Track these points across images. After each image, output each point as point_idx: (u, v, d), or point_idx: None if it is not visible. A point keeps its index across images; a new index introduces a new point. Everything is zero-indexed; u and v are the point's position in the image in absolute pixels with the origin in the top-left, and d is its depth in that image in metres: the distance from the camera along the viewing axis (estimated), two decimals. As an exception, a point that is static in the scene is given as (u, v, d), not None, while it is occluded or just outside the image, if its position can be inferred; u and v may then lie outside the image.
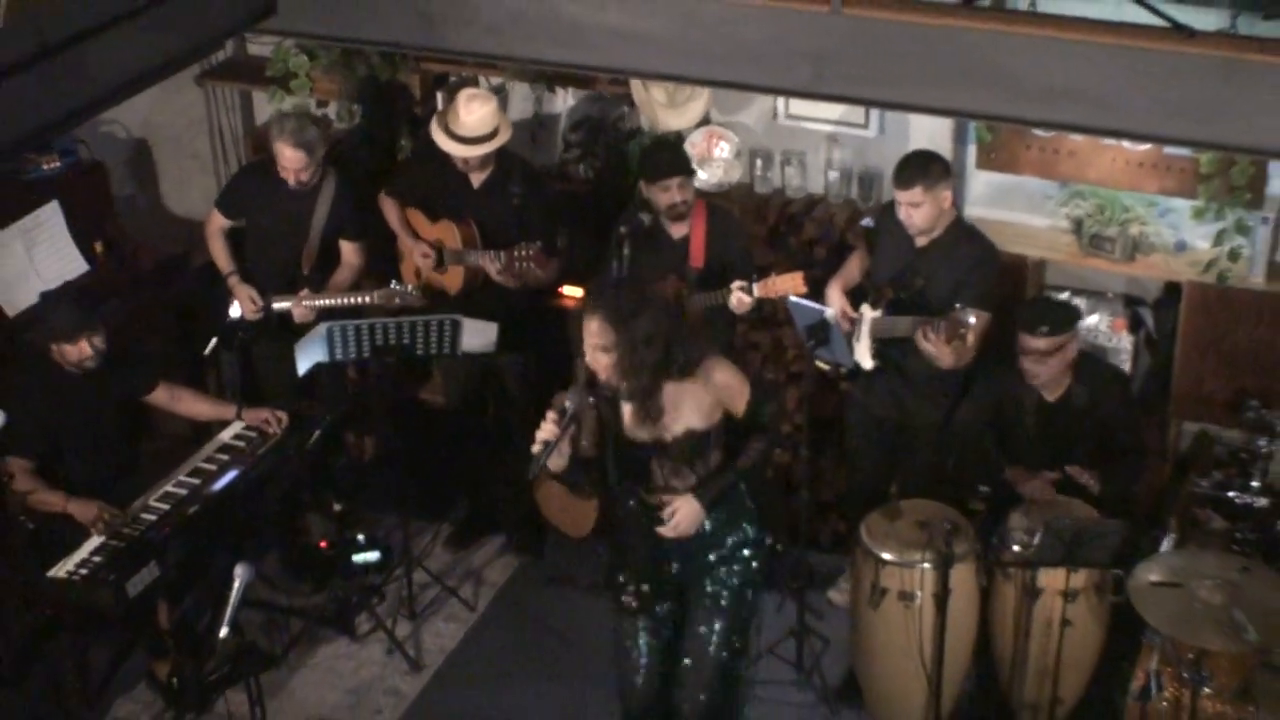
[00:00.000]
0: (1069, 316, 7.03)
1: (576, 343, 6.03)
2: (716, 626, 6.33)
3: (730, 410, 6.12)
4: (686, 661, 6.42)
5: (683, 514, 6.06)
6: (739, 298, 7.31)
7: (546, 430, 5.95)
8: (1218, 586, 6.19)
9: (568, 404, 5.96)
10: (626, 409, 6.07)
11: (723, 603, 6.31)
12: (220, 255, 8.11)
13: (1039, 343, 6.86)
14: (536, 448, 5.97)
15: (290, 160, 7.75)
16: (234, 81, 9.34)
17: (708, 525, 6.21)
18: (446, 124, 7.78)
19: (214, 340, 8.06)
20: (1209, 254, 7.51)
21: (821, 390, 8.01)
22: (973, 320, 6.86)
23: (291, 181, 7.83)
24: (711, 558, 6.28)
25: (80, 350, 7.10)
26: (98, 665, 7.74)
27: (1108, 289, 7.93)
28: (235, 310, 7.97)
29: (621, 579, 6.39)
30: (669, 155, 7.58)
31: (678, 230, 7.56)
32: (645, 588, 6.33)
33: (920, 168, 7.11)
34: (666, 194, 7.44)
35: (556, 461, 6.06)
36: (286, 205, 7.97)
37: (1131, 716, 6.87)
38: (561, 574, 8.28)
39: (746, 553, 6.32)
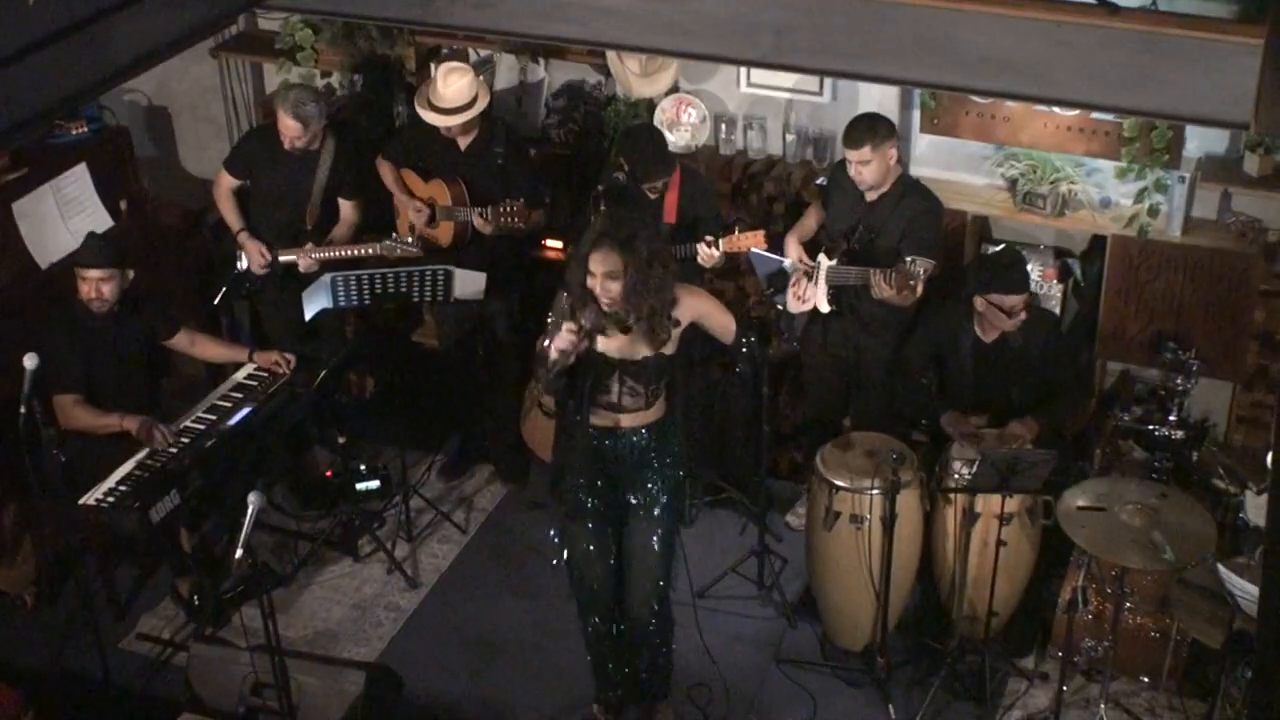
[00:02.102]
0: (1027, 272, 7.08)
1: (574, 277, 6.02)
2: (652, 533, 6.40)
3: (716, 332, 6.18)
4: (629, 565, 6.50)
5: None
6: (706, 252, 7.31)
7: (565, 340, 5.91)
8: (1138, 511, 6.22)
9: (583, 321, 5.93)
10: (611, 333, 6.04)
11: (656, 511, 6.37)
12: (230, 213, 8.07)
13: (1017, 300, 6.86)
14: (554, 355, 5.95)
15: (288, 129, 7.76)
16: (245, 54, 9.26)
17: (644, 442, 6.28)
18: (427, 97, 7.76)
19: (223, 290, 8.07)
20: (1131, 210, 7.53)
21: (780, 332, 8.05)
22: (921, 272, 6.91)
23: (288, 146, 7.83)
24: (647, 472, 6.32)
25: (88, 289, 7.08)
26: (125, 584, 7.81)
27: (1039, 241, 7.94)
28: (243, 263, 7.97)
29: (562, 486, 6.44)
30: (656, 155, 7.45)
31: (653, 193, 7.54)
32: (583, 496, 6.39)
33: (868, 128, 7.11)
34: (650, 184, 7.44)
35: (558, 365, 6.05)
36: (290, 167, 7.95)
37: (1060, 628, 6.94)
38: (544, 500, 8.27)
39: (674, 467, 6.37)
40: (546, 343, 6.06)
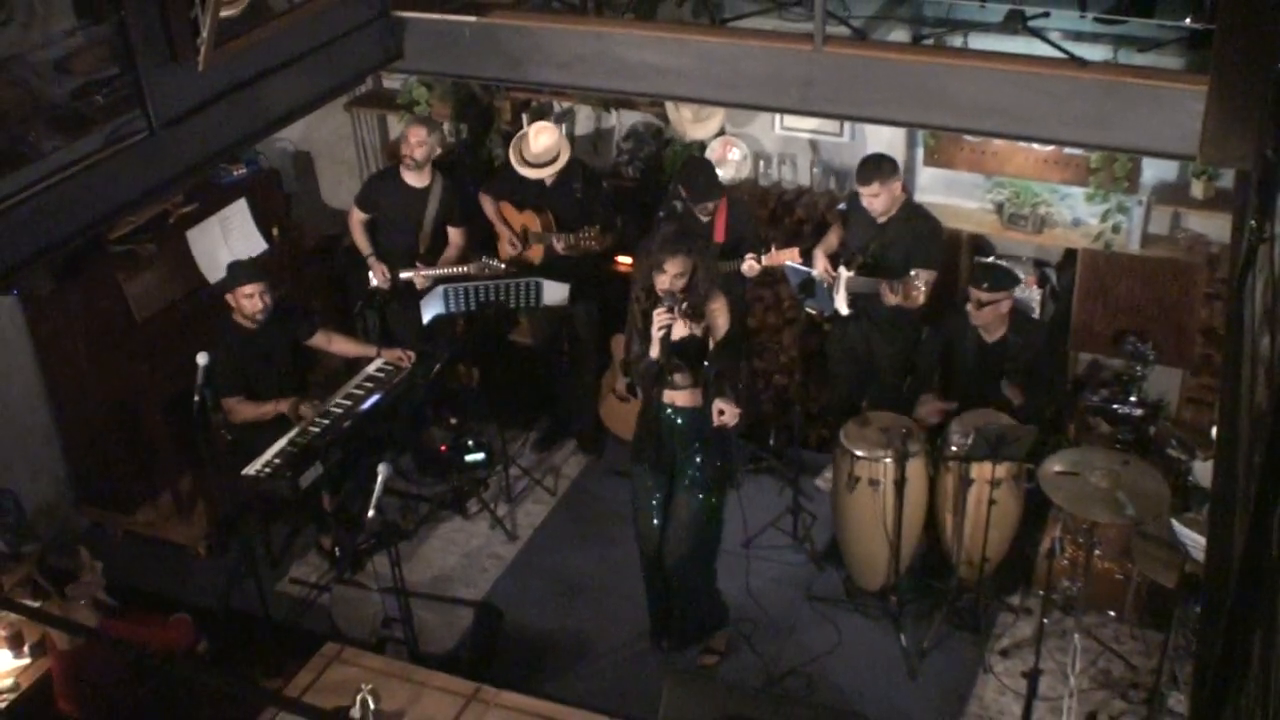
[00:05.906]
0: (1007, 281, 6.94)
1: (641, 284, 6.10)
2: (687, 507, 6.40)
3: (713, 330, 6.14)
4: (670, 527, 6.51)
5: (729, 411, 6.01)
6: (750, 265, 7.32)
7: (663, 318, 5.99)
8: (1105, 475, 6.15)
9: (667, 302, 6.00)
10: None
11: (695, 489, 6.36)
12: (360, 241, 8.09)
13: (979, 294, 6.82)
14: (659, 332, 6.01)
15: (416, 135, 7.77)
16: (373, 108, 9.29)
17: (694, 423, 6.24)
18: (521, 152, 7.79)
19: (359, 303, 8.14)
20: (1098, 228, 7.46)
21: (810, 330, 8.03)
22: (922, 284, 6.88)
23: (418, 156, 7.80)
24: (692, 450, 6.30)
25: (253, 303, 7.07)
26: (279, 539, 7.86)
27: (1022, 255, 7.88)
28: (374, 281, 8.02)
29: (641, 450, 6.45)
30: (708, 182, 7.44)
31: (705, 216, 7.53)
32: (647, 448, 6.40)
33: (875, 167, 7.08)
34: (701, 207, 7.43)
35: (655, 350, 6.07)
36: (406, 201, 7.96)
37: (1041, 571, 6.91)
38: (618, 468, 8.28)
39: (716, 450, 6.33)
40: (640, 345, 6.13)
